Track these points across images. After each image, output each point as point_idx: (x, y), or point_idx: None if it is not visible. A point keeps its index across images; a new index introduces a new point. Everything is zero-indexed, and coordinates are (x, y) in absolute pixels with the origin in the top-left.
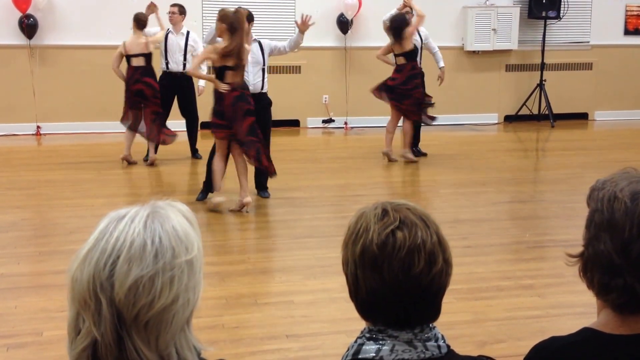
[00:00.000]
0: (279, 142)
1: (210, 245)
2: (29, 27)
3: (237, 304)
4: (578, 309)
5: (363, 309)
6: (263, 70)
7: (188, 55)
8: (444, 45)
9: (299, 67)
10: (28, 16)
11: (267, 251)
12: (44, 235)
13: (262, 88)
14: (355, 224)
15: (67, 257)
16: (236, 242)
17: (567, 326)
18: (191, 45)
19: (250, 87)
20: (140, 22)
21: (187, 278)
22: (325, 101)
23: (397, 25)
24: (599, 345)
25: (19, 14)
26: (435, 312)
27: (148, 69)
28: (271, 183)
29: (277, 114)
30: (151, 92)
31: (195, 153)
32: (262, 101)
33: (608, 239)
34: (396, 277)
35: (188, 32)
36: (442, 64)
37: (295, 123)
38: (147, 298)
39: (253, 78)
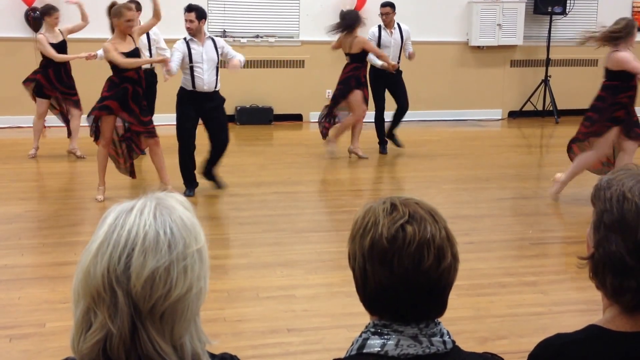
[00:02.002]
0: (281, 137)
1: (212, 239)
2: (35, 20)
3: (239, 298)
4: (581, 306)
5: (370, 303)
6: (217, 68)
7: (153, 50)
8: (449, 40)
9: (302, 61)
10: (34, 9)
11: (268, 245)
12: (48, 227)
13: (215, 86)
14: (363, 217)
15: (71, 249)
16: (238, 236)
17: (570, 323)
18: (153, 39)
19: (205, 87)
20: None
21: (198, 267)
22: (328, 96)
23: (350, 22)
24: (605, 343)
25: (25, 7)
26: (441, 308)
27: None
28: (273, 177)
29: (280, 108)
30: None
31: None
32: (216, 100)
33: (620, 240)
34: (406, 272)
35: None
36: (411, 50)
37: (298, 117)
38: (164, 289)
39: (208, 77)
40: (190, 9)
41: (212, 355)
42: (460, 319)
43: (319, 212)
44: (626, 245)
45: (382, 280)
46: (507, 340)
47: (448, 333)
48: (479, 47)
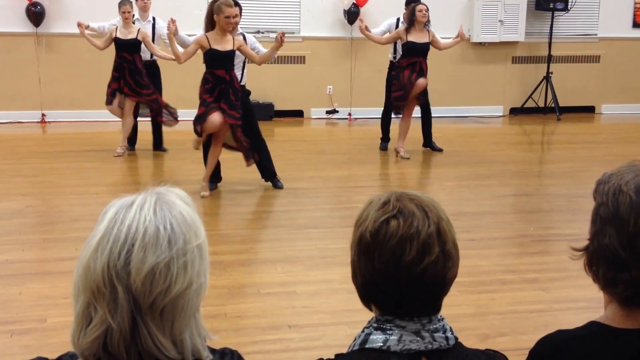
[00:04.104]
0: (282, 133)
1: (212, 234)
2: (35, 14)
3: (240, 294)
4: (582, 303)
5: (360, 295)
6: (244, 62)
7: (156, 42)
8: (450, 36)
9: (303, 57)
10: (35, 4)
11: (269, 241)
12: (48, 222)
13: (241, 81)
14: (362, 210)
15: (71, 244)
16: (239, 232)
17: (571, 320)
18: (159, 31)
19: None
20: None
21: (198, 263)
22: (329, 92)
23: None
24: (606, 339)
25: (25, 2)
26: (432, 305)
27: None
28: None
29: (280, 104)
30: None
31: (160, 145)
32: (243, 94)
33: (613, 233)
34: (386, 266)
35: (154, 18)
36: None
37: (299, 114)
38: (164, 285)
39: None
40: (236, 3)
41: (212, 350)
42: (461, 316)
43: (319, 208)
44: (619, 238)
45: (365, 273)
46: (508, 338)
47: (451, 329)
48: (480, 43)
